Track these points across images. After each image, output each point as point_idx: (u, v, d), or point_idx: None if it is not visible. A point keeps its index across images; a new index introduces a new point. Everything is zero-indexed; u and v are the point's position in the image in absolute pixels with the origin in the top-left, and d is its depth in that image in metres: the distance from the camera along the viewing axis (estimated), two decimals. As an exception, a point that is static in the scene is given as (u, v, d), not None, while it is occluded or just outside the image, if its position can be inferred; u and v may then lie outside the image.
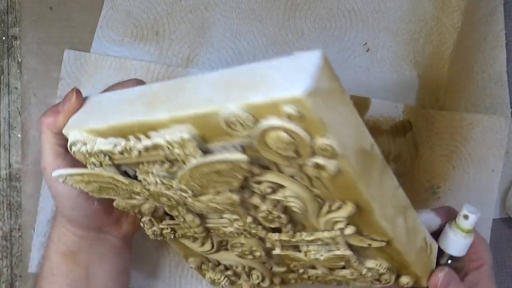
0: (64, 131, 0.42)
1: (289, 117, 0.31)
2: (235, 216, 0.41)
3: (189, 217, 0.43)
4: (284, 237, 0.41)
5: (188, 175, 0.38)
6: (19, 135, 0.61)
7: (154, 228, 0.47)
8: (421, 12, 0.64)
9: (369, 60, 0.63)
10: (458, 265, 0.46)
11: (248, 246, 0.45)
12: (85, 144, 0.41)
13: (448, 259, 0.46)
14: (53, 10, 0.62)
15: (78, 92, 0.44)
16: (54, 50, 0.61)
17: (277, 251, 0.43)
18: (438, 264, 0.45)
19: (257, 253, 0.45)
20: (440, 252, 0.45)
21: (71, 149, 0.42)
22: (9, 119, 0.61)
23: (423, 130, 0.62)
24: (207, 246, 0.47)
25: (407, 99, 0.63)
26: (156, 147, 0.38)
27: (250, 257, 0.46)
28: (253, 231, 0.42)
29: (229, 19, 0.62)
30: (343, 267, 0.44)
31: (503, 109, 0.62)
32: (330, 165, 0.33)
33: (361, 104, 0.62)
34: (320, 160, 0.33)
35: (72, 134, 0.42)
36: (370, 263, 0.42)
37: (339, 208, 0.37)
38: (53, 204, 0.60)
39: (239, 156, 0.34)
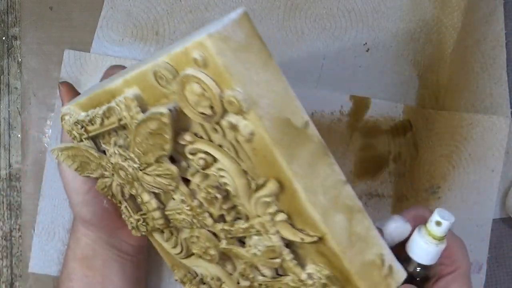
0: (62, 111, 0.46)
1: (196, 63, 0.32)
2: (182, 197, 0.40)
3: (146, 197, 0.43)
4: (226, 226, 0.40)
5: (133, 140, 0.39)
6: (19, 135, 0.61)
7: (131, 219, 0.47)
8: (421, 12, 0.64)
9: (369, 60, 0.63)
10: (429, 273, 0.41)
11: (203, 241, 0.43)
12: (70, 116, 0.45)
13: (416, 267, 0.41)
14: (53, 10, 0.62)
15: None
16: (54, 50, 0.61)
17: (223, 243, 0.41)
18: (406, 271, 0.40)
19: (211, 251, 0.43)
20: (408, 259, 0.41)
21: (62, 121, 0.46)
22: (9, 119, 0.61)
23: (423, 130, 0.62)
24: (178, 248, 0.47)
25: (407, 99, 0.63)
26: (110, 111, 0.40)
27: (207, 257, 0.44)
28: (200, 217, 0.41)
29: (229, 19, 0.62)
30: (287, 274, 0.40)
31: (503, 109, 0.62)
32: (242, 125, 0.33)
33: (361, 104, 0.62)
34: (231, 119, 0.34)
35: (65, 108, 0.46)
36: (310, 268, 0.38)
37: (263, 185, 0.36)
38: (54, 204, 0.60)
39: (160, 109, 0.35)
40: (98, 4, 0.61)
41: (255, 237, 0.39)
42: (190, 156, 0.38)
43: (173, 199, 0.42)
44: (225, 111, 0.33)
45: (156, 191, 0.42)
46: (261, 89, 0.33)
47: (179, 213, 0.42)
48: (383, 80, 0.63)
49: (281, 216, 0.36)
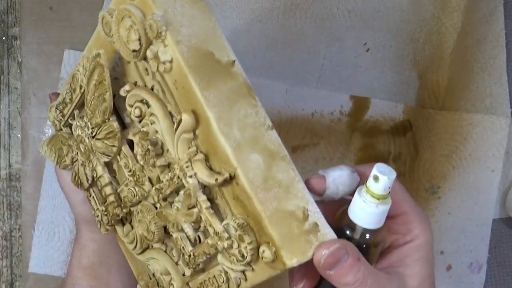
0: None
1: None
2: (125, 160, 0.41)
3: (99, 170, 0.44)
4: (158, 185, 0.39)
5: (86, 101, 0.42)
6: (19, 135, 0.61)
7: (97, 212, 0.47)
8: (421, 12, 0.64)
9: (369, 60, 0.63)
10: (375, 240, 0.36)
11: (145, 214, 0.42)
12: (53, 106, 0.48)
13: (363, 233, 0.36)
14: (53, 10, 0.62)
15: None
16: (54, 50, 0.61)
17: (157, 207, 0.41)
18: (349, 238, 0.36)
19: (152, 227, 0.41)
20: (353, 225, 0.36)
21: (49, 116, 0.49)
22: (9, 119, 0.61)
23: (423, 130, 0.62)
24: (134, 242, 0.46)
25: (407, 99, 0.63)
26: (74, 80, 0.44)
27: (150, 236, 0.42)
28: (142, 184, 0.41)
29: (229, 19, 0.62)
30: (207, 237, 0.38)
31: (503, 109, 0.62)
32: (161, 51, 0.34)
33: (361, 104, 0.62)
34: (154, 47, 0.35)
35: (52, 104, 0.50)
36: (227, 220, 0.36)
37: (180, 120, 0.36)
38: (54, 204, 0.60)
39: (97, 52, 0.39)
40: (98, 4, 0.61)
41: (181, 192, 0.38)
42: (129, 109, 0.39)
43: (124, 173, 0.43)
44: (149, 42, 0.35)
45: (106, 159, 0.42)
46: (185, 20, 0.35)
47: (126, 185, 0.43)
48: (383, 80, 0.63)
49: (198, 156, 0.36)
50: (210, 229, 0.37)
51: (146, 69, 0.37)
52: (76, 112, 0.45)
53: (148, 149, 0.38)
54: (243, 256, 0.35)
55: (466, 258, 0.61)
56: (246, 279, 0.37)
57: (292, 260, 0.33)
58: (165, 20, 0.34)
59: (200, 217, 0.37)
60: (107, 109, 0.39)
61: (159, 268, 0.44)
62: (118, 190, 0.44)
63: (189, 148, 0.36)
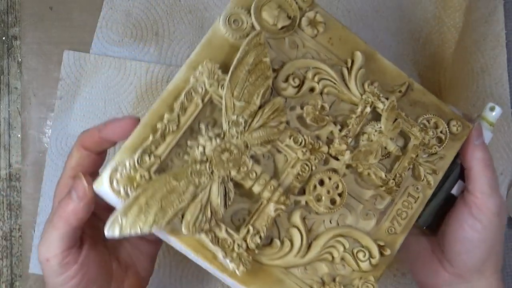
0: (96, 189, 0.39)
1: None
2: (292, 137, 0.43)
3: (257, 169, 0.41)
4: (343, 131, 0.44)
5: (232, 93, 0.41)
6: (19, 135, 0.61)
7: (234, 246, 0.41)
8: (421, 12, 0.64)
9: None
10: None
11: (331, 177, 0.44)
12: (123, 163, 0.38)
13: None
14: (53, 10, 0.62)
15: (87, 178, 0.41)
16: (54, 50, 0.61)
17: (346, 158, 0.45)
18: None
19: (340, 186, 0.44)
20: None
21: (112, 184, 0.38)
22: (9, 119, 0.61)
23: (423, 130, 0.62)
24: (296, 242, 0.44)
25: (407, 99, 0.63)
26: (188, 96, 0.40)
27: (337, 199, 0.44)
28: (317, 150, 0.44)
29: (229, 19, 0.62)
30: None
31: (503, 109, 0.62)
32: (318, 16, 0.45)
33: (361, 104, 0.62)
34: (310, 13, 0.44)
35: (105, 174, 0.39)
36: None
37: (352, 62, 0.45)
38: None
39: (253, 32, 0.41)
40: (98, 4, 0.62)
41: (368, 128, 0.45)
42: (283, 85, 0.43)
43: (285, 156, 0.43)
44: (302, 12, 0.44)
45: (264, 149, 0.42)
46: None
47: (292, 166, 0.43)
48: (383, 80, 0.63)
49: (376, 83, 0.45)
50: (411, 132, 0.46)
51: (293, 43, 0.44)
52: (202, 126, 0.41)
53: (322, 105, 0.44)
54: (440, 140, 0.47)
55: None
56: (437, 173, 0.47)
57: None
58: None
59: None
60: (268, 87, 0.42)
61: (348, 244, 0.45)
62: (280, 182, 0.43)
63: (366, 80, 0.45)
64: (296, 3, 0.44)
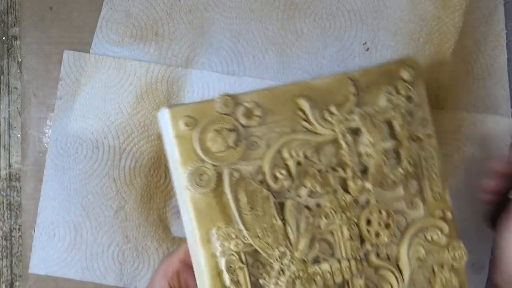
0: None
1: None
2: (324, 217, 0.45)
3: (325, 266, 0.44)
4: (349, 172, 0.47)
5: (257, 236, 0.42)
6: (19, 135, 0.61)
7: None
8: (421, 12, 0.64)
9: (369, 59, 0.63)
10: None
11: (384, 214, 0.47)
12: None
13: None
14: (53, 10, 0.62)
15: None
16: (54, 50, 0.61)
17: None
18: None
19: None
20: None
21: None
22: (9, 119, 0.61)
23: (423, 129, 0.62)
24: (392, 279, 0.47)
25: (407, 99, 0.63)
26: (231, 270, 0.42)
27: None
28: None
29: (229, 19, 0.62)
30: None
31: (504, 109, 0.62)
32: (246, 104, 0.44)
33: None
34: (239, 110, 0.44)
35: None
36: None
37: (301, 110, 0.46)
38: (54, 205, 0.60)
39: (225, 176, 0.42)
40: (98, 4, 0.62)
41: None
42: (277, 185, 0.44)
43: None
44: (234, 115, 0.43)
45: (315, 245, 0.45)
46: None
47: (343, 235, 0.45)
48: (383, 80, 0.63)
49: (331, 109, 0.46)
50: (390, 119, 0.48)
51: (252, 144, 0.44)
52: (261, 281, 0.43)
53: (318, 170, 0.46)
54: (409, 98, 0.49)
55: (468, 259, 0.61)
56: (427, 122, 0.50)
57: None
58: None
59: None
60: (274, 203, 0.43)
61: None
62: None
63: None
64: (225, 114, 0.43)
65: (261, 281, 0.43)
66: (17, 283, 0.60)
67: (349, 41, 0.63)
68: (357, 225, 0.45)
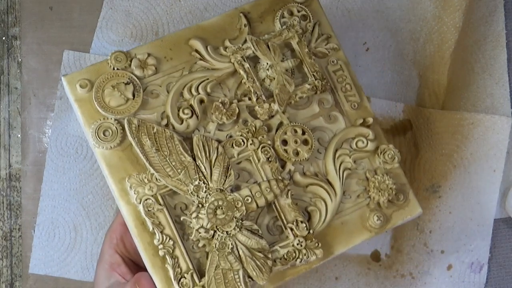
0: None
1: None
2: (233, 145, 0.45)
3: (245, 192, 0.44)
4: (254, 98, 0.47)
5: (168, 175, 0.43)
6: (19, 135, 0.61)
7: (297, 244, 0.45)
8: (421, 12, 0.64)
9: (369, 59, 0.63)
10: None
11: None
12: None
13: None
14: (53, 10, 0.62)
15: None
16: (54, 50, 0.61)
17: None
18: None
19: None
20: None
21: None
22: (9, 119, 0.61)
23: (423, 129, 0.62)
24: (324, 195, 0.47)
25: (407, 99, 0.63)
26: (151, 214, 0.43)
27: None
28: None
29: (229, 19, 0.62)
30: None
31: (504, 109, 0.62)
32: (140, 57, 0.46)
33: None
34: (134, 63, 0.46)
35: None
36: None
37: (197, 51, 0.47)
38: (54, 205, 0.60)
39: (125, 125, 0.44)
40: (98, 4, 0.62)
41: None
42: (183, 124, 0.45)
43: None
44: (130, 69, 0.46)
45: (232, 173, 0.45)
46: None
47: (259, 160, 0.45)
48: (383, 80, 0.63)
49: (226, 43, 0.48)
50: (287, 40, 0.49)
51: (151, 93, 0.46)
52: (183, 217, 0.44)
53: (221, 102, 0.46)
54: (305, 16, 0.50)
55: (467, 258, 0.61)
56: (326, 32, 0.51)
57: None
58: None
59: None
60: (179, 141, 0.45)
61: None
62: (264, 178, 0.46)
63: None
64: (119, 69, 0.45)
65: (182, 218, 0.43)
66: (17, 283, 0.60)
67: (349, 41, 0.63)
68: (274, 148, 0.46)
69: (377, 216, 0.46)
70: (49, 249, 0.60)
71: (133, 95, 0.45)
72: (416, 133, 0.62)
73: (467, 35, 0.63)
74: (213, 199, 0.43)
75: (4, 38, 0.61)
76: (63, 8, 0.62)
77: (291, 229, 0.44)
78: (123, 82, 0.44)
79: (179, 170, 0.43)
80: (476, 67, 0.63)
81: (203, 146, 0.44)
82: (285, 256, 0.44)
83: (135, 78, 0.45)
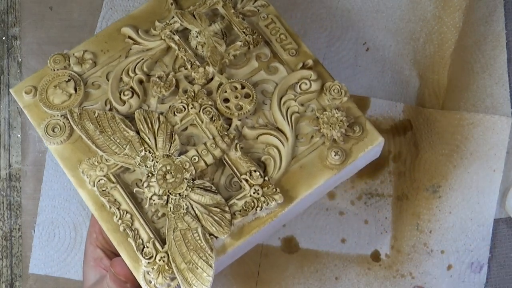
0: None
1: None
2: (174, 112, 0.47)
3: (192, 152, 0.45)
4: (188, 66, 0.48)
5: (115, 153, 0.45)
6: (19, 135, 0.61)
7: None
8: (421, 12, 0.64)
9: (369, 59, 0.63)
10: None
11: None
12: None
13: None
14: (53, 10, 0.62)
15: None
16: (54, 50, 0.60)
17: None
18: None
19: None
20: None
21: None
22: (9, 119, 0.61)
23: (423, 129, 0.62)
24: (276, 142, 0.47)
25: (407, 99, 0.63)
26: (105, 193, 0.44)
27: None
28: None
29: (229, 19, 0.62)
30: None
31: (504, 109, 0.62)
32: (77, 54, 0.49)
33: (360, 104, 0.62)
34: (72, 61, 0.49)
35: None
36: None
37: (130, 37, 0.50)
38: (53, 205, 0.60)
39: (68, 115, 0.47)
40: (98, 4, 0.62)
41: None
42: (126, 105, 0.47)
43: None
44: (70, 68, 0.49)
45: (176, 139, 0.46)
46: None
47: (202, 121, 0.46)
48: (383, 80, 0.63)
49: (156, 24, 0.50)
50: None
51: (93, 85, 0.48)
52: (136, 189, 0.45)
53: (158, 76, 0.48)
54: None
55: (467, 258, 0.61)
56: None
57: None
58: None
59: None
60: (122, 119, 0.47)
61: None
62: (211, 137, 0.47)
63: None
64: (59, 70, 0.48)
65: (135, 189, 0.44)
66: (17, 283, 0.60)
67: (349, 41, 0.63)
68: (216, 108, 0.47)
69: (334, 151, 0.46)
70: (49, 249, 0.60)
71: (75, 90, 0.47)
72: (416, 133, 0.62)
73: (467, 35, 0.63)
74: (161, 165, 0.44)
75: (4, 38, 0.61)
76: (63, 8, 0.62)
77: (246, 180, 0.45)
78: (64, 80, 0.47)
79: (124, 146, 0.45)
80: (476, 67, 0.63)
81: (145, 118, 0.46)
82: (244, 207, 0.44)
83: (75, 74, 0.48)
